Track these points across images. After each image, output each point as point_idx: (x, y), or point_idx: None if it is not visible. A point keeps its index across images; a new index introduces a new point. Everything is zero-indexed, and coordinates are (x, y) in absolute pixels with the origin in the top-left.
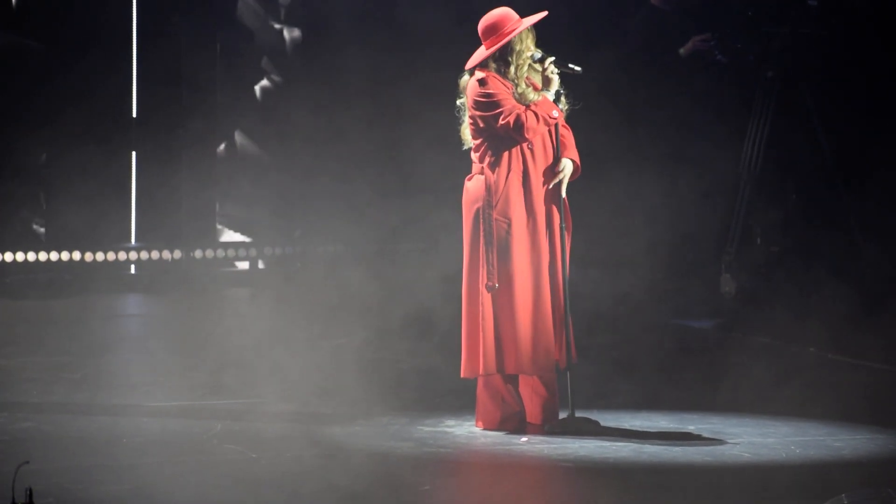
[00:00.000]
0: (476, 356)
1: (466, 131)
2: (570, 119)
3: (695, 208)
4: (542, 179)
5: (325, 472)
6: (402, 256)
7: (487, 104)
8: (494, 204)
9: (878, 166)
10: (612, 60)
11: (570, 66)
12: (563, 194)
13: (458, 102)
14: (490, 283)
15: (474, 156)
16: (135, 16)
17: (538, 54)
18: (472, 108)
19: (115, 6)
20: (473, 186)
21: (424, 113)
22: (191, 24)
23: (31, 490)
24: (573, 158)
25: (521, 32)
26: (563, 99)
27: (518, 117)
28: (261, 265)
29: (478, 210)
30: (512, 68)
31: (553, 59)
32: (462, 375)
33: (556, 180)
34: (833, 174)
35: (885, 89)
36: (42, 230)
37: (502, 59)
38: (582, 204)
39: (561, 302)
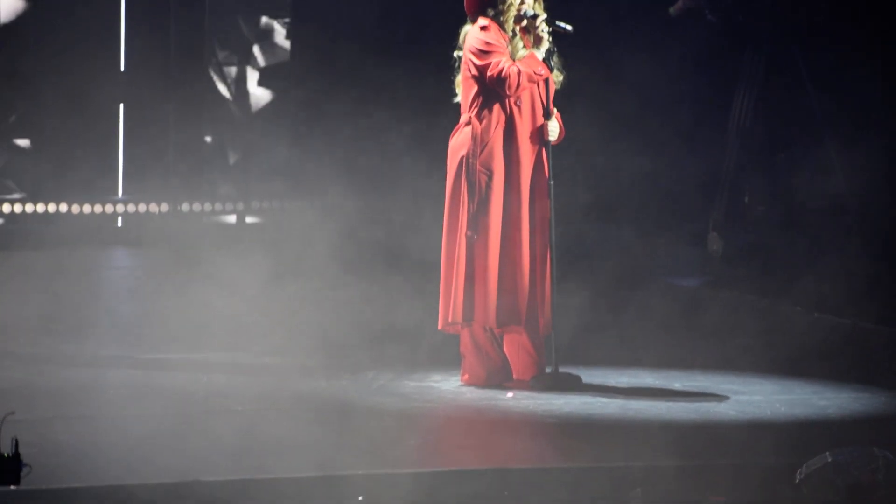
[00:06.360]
0: (448, 305)
1: (460, 83)
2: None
3: (683, 167)
4: (527, 134)
5: (310, 426)
6: (392, 210)
7: (481, 52)
8: (478, 154)
9: (867, 125)
10: (600, 20)
11: (561, 25)
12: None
13: (454, 54)
14: (469, 232)
15: (463, 105)
16: None
17: (531, 11)
18: (469, 52)
19: None
20: (459, 138)
21: None
22: None
23: (16, 440)
24: (557, 117)
25: None
26: (554, 58)
27: (501, 72)
28: (248, 220)
29: (462, 158)
30: (502, 7)
31: (544, 17)
32: (438, 327)
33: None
34: (822, 133)
35: (876, 48)
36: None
37: (498, 3)
38: (569, 165)
39: (547, 262)
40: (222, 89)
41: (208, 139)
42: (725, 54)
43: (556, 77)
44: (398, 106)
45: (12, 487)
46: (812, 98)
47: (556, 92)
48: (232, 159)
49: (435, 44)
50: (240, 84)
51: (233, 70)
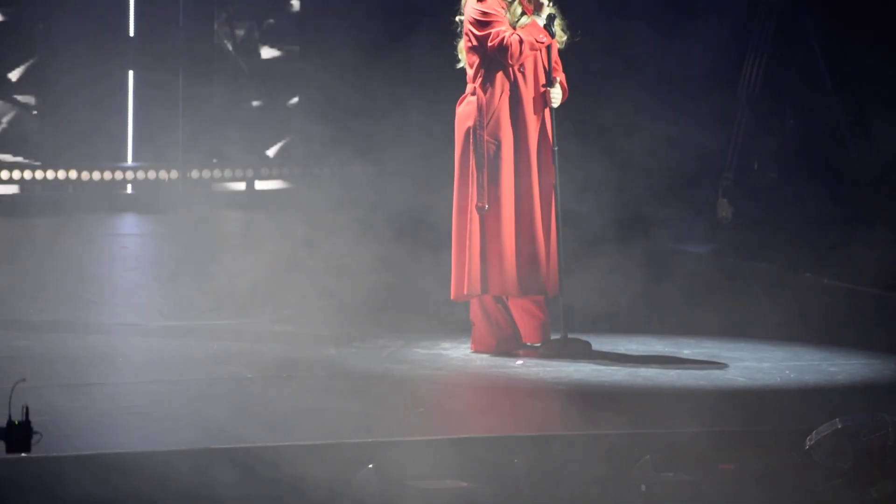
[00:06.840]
0: (463, 277)
1: (463, 49)
2: (568, 45)
3: (692, 133)
4: (532, 101)
5: (320, 394)
6: (404, 176)
7: (480, 23)
8: (485, 124)
9: (876, 90)
10: None
11: None
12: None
13: (456, 19)
14: (480, 204)
15: (468, 74)
16: None
17: None
18: (468, 23)
19: None
20: (466, 108)
21: None
22: None
23: (27, 408)
24: (561, 81)
25: None
26: (556, 22)
27: (502, 41)
28: (258, 186)
29: (469, 129)
30: None
31: None
32: (452, 297)
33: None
34: (831, 98)
35: (886, 13)
36: None
37: None
38: (579, 128)
39: (553, 227)
40: (231, 50)
41: (216, 100)
42: (735, 18)
43: (560, 38)
44: (410, 66)
45: (23, 455)
46: (822, 64)
47: (560, 52)
48: (242, 125)
49: (447, 2)
50: (249, 45)
51: (241, 31)
